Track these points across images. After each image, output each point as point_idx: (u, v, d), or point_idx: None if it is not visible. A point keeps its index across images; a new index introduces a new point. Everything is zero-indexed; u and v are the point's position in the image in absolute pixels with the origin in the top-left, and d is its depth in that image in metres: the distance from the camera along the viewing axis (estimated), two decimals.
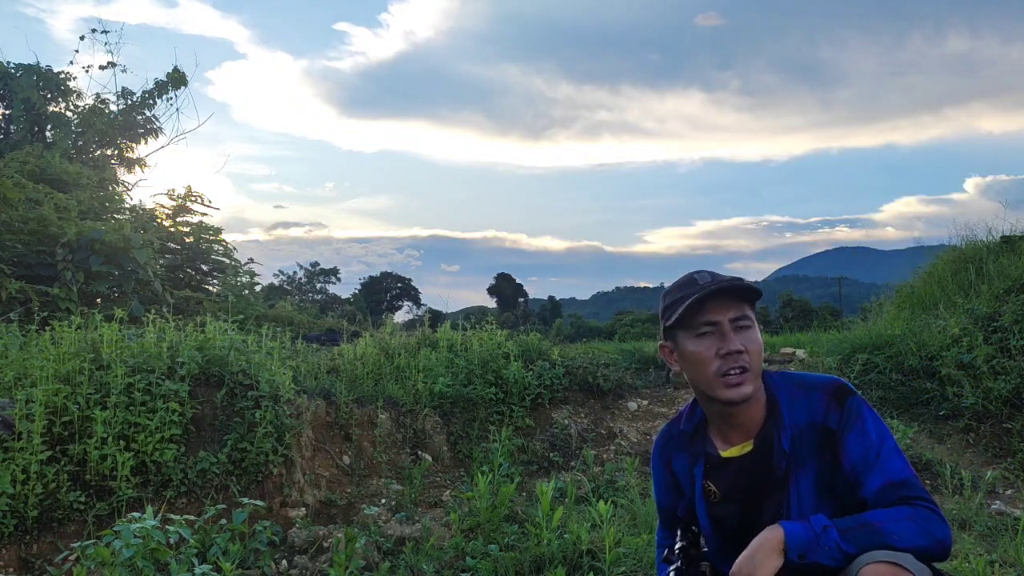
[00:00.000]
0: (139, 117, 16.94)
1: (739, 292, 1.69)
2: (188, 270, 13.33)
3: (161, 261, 12.09)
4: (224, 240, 13.65)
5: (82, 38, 17.61)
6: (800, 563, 1.53)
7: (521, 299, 78.51)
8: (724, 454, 1.78)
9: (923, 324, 7.06)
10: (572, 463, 5.86)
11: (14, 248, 8.76)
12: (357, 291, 64.67)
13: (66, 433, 4.01)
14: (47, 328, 4.73)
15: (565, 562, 3.58)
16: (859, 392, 1.74)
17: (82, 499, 3.85)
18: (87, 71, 17.26)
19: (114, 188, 15.40)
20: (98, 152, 16.55)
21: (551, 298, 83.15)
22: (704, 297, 1.67)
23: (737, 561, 1.58)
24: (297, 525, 4.21)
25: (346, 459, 5.33)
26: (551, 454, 5.98)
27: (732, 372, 1.66)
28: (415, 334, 7.22)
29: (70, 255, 8.82)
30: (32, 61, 16.44)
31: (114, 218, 12.11)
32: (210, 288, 13.39)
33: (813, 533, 1.53)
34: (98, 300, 8.96)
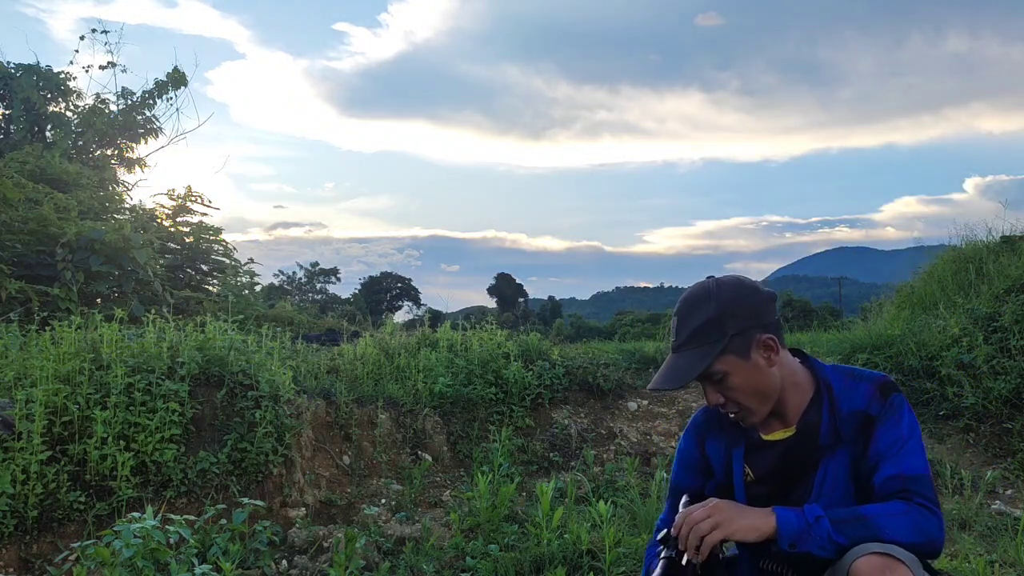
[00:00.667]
0: (139, 117, 16.92)
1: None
2: (188, 270, 13.31)
3: (161, 261, 12.07)
4: (224, 240, 13.64)
5: (82, 38, 17.60)
6: (791, 552, 1.54)
7: (521, 299, 78.50)
8: (767, 437, 1.81)
9: (923, 324, 7.06)
10: (572, 463, 5.85)
11: (14, 248, 8.75)
12: (357, 291, 64.73)
13: (66, 433, 4.01)
14: (47, 328, 4.72)
15: (565, 562, 3.58)
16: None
17: (82, 499, 3.85)
18: (87, 71, 17.25)
19: (114, 188, 15.39)
20: (98, 152, 16.54)
21: (551, 298, 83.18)
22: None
23: (724, 501, 1.61)
24: (297, 525, 4.21)
25: (346, 459, 5.33)
26: (551, 454, 5.98)
27: (728, 416, 1.79)
28: (415, 334, 7.22)
29: (70, 255, 8.82)
30: (32, 61, 16.42)
31: (114, 218, 12.09)
32: (210, 288, 13.38)
33: (805, 523, 1.54)
34: (98, 300, 8.95)
